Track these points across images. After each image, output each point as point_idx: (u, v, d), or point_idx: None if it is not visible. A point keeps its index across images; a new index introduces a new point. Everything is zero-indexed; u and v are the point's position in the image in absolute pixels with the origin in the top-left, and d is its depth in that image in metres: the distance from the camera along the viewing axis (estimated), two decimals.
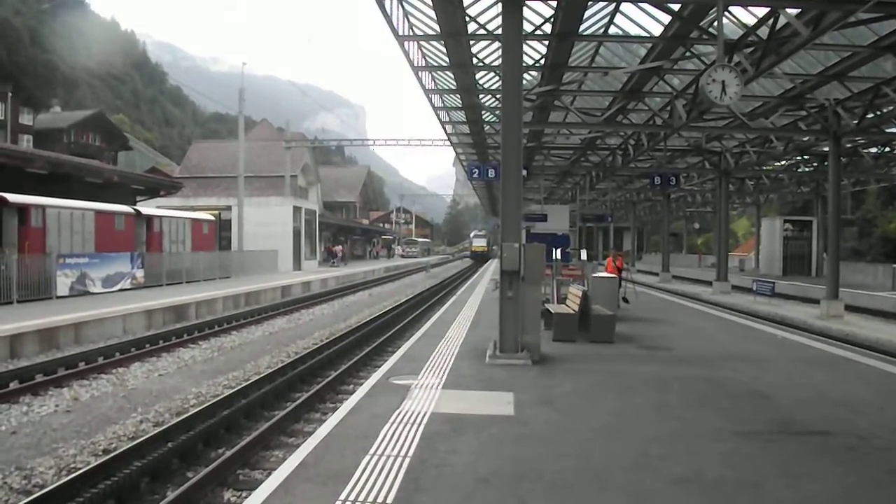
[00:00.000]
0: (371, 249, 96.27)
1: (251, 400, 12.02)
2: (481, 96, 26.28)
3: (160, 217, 35.18)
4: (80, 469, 8.46)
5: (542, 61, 21.70)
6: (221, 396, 12.24)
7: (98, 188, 31.83)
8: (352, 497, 5.91)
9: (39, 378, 13.97)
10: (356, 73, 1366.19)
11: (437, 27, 18.66)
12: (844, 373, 12.40)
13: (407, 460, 6.86)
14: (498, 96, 23.54)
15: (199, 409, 11.26)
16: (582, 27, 19.06)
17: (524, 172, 22.59)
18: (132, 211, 32.57)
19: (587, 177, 44.11)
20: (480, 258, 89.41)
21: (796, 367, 12.90)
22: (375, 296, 37.38)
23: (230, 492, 8.21)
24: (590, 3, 17.33)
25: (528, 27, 18.34)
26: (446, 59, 21.35)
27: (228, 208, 46.96)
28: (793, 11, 15.61)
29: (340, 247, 63.79)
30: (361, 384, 11.44)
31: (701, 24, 17.61)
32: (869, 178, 45.89)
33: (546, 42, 20.04)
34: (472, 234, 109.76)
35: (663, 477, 6.53)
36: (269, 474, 6.97)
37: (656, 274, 50.63)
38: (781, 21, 15.97)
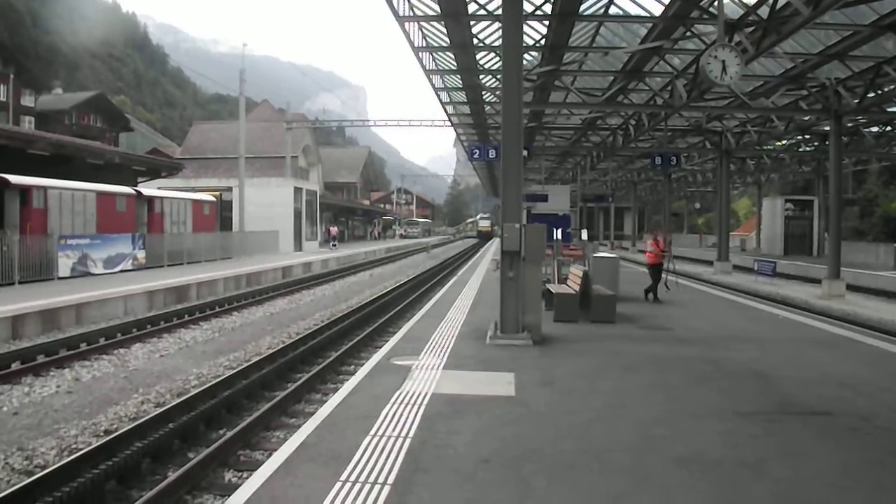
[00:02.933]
0: (371, 230, 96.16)
1: (252, 380, 12.03)
2: (482, 77, 26.21)
3: (161, 198, 35.10)
4: (81, 450, 8.49)
5: (543, 41, 21.64)
6: (222, 377, 12.26)
7: (99, 169, 31.77)
8: (353, 477, 5.92)
9: (41, 359, 14.00)
10: (356, 53, 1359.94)
11: (437, 7, 18.60)
12: (846, 353, 12.39)
13: (408, 441, 6.87)
14: (498, 77, 23.45)
15: (200, 389, 11.29)
16: (582, 7, 18.99)
17: (525, 153, 22.50)
18: (133, 192, 32.50)
19: (588, 157, 44.09)
20: (485, 237, 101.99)
21: (798, 347, 12.91)
22: (376, 276, 37.41)
23: (231, 472, 8.22)
24: None
25: (528, 7, 18.27)
26: (447, 39, 21.29)
27: (229, 189, 46.83)
28: None
29: (335, 228, 61.91)
30: (362, 365, 11.44)
31: (701, 3, 17.54)
32: (870, 158, 45.74)
33: (546, 22, 19.96)
34: (478, 217, 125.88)
35: (665, 457, 6.53)
36: (271, 455, 6.98)
37: None
38: (782, 0, 15.87)
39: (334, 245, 52.75)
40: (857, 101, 23.92)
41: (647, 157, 39.53)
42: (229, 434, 9.08)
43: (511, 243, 12.36)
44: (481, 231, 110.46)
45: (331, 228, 58.67)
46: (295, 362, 14.12)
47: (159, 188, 38.90)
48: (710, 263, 40.47)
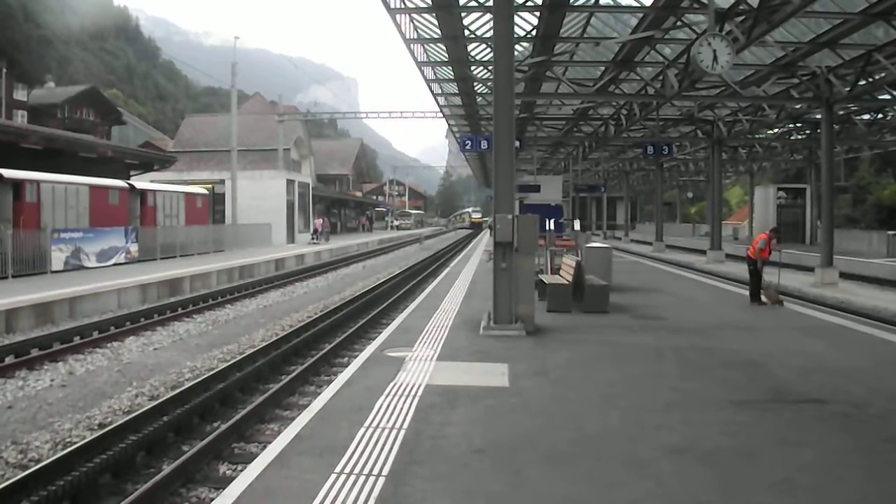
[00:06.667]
0: (362, 221, 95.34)
1: (246, 373, 12.03)
2: (473, 68, 26.17)
3: (154, 191, 35.08)
4: (75, 443, 8.47)
5: (534, 32, 21.62)
6: (216, 370, 12.23)
7: (92, 163, 31.66)
8: (347, 469, 5.92)
9: (35, 352, 13.95)
10: (348, 45, 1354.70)
11: None
12: (839, 341, 12.43)
13: (402, 432, 6.88)
14: (490, 68, 23.40)
15: (193, 382, 11.27)
16: None
17: (517, 143, 22.50)
18: (126, 185, 32.44)
19: (580, 147, 44.06)
20: (478, 227, 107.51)
21: (791, 335, 12.93)
22: (369, 268, 37.36)
23: (226, 465, 8.22)
24: None
25: None
26: (438, 31, 21.25)
27: (222, 182, 46.69)
28: None
29: (321, 219, 55.56)
30: (356, 357, 11.45)
31: None
32: (862, 145, 45.85)
33: (537, 13, 19.94)
34: (470, 210, 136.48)
35: (659, 447, 6.55)
36: (265, 447, 6.99)
37: (650, 243, 50.65)
38: None
39: (314, 240, 50.25)
40: (848, 89, 23.89)
41: (639, 147, 39.65)
42: (223, 427, 9.08)
43: (504, 234, 12.35)
44: (474, 222, 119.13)
45: (316, 221, 54.01)
46: (288, 354, 14.10)
47: (152, 181, 38.77)
48: (703, 252, 40.46)
